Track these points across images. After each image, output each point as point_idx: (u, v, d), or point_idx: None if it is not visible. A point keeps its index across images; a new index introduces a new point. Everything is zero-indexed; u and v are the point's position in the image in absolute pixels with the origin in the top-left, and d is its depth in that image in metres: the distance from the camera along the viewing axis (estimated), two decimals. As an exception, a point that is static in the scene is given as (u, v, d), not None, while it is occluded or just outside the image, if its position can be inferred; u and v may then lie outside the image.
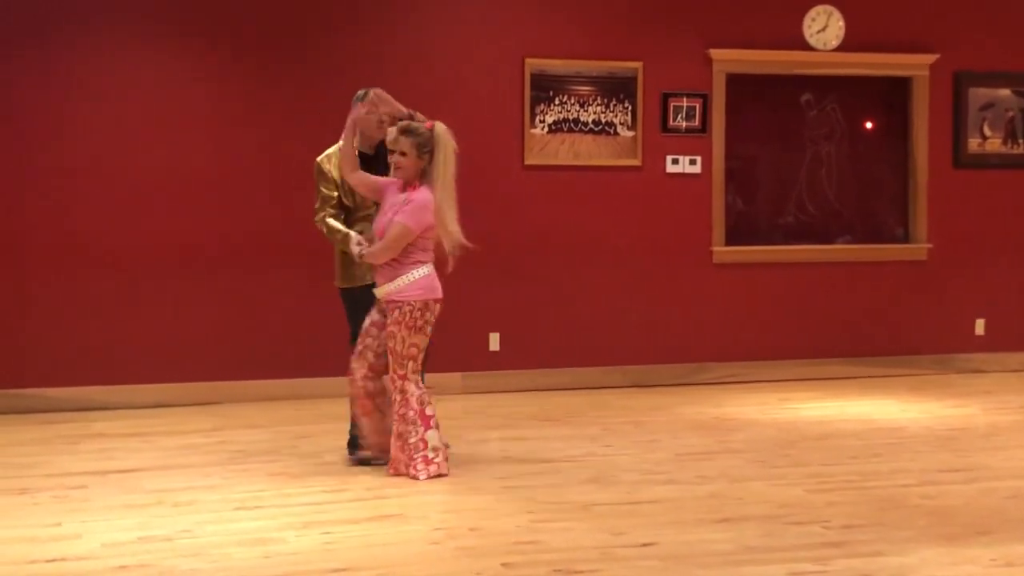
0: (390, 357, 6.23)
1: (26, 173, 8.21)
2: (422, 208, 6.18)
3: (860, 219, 9.80)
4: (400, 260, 6.19)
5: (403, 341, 6.18)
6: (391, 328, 6.20)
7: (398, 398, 6.24)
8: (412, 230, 6.16)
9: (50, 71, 8.21)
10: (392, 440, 6.28)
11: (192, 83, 8.42)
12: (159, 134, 8.36)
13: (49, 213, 8.24)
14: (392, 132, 6.27)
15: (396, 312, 6.18)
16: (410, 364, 6.22)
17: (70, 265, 8.27)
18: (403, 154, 6.20)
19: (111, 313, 8.32)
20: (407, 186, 6.24)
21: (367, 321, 6.35)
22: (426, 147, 6.22)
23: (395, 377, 6.23)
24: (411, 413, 6.22)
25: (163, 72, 8.40)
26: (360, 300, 6.48)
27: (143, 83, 8.35)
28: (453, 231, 6.22)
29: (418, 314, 6.19)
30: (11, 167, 8.20)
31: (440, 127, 6.29)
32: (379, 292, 6.26)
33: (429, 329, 6.27)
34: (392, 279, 6.19)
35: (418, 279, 6.19)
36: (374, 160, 6.53)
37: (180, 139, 8.42)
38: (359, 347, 6.34)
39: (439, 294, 6.29)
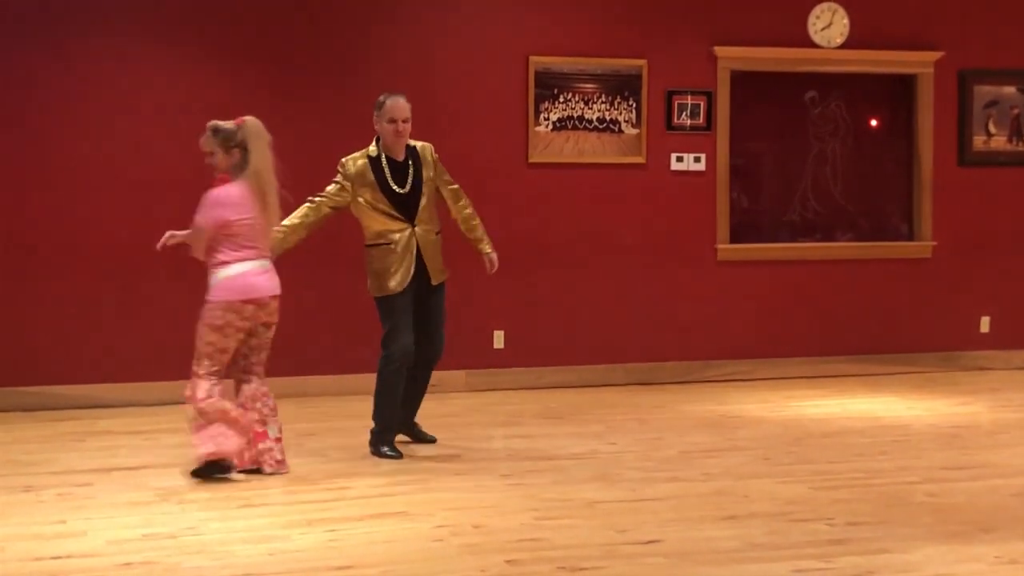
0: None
1: (34, 172, 8.22)
2: (211, 204, 6.18)
3: (865, 217, 9.79)
4: (209, 260, 6.18)
5: (201, 337, 6.17)
6: (198, 323, 6.17)
7: (187, 393, 6.22)
8: (200, 226, 6.16)
9: (61, 72, 8.21)
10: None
11: (201, 84, 8.41)
12: (169, 133, 8.36)
13: (56, 212, 8.24)
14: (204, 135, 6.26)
15: (203, 308, 6.15)
16: (205, 362, 6.17)
17: (76, 263, 8.28)
18: (211, 153, 6.22)
19: (117, 311, 8.33)
20: (218, 183, 6.22)
21: (242, 334, 6.25)
22: (232, 142, 6.19)
23: (192, 371, 6.20)
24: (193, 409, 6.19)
25: (173, 72, 8.40)
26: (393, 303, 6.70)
27: (154, 83, 8.35)
28: (271, 226, 6.24)
29: (218, 313, 6.13)
30: (20, 166, 8.20)
31: (251, 121, 6.24)
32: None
33: (231, 330, 6.17)
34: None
35: (221, 280, 6.16)
36: (402, 166, 6.72)
37: (190, 139, 8.39)
38: (244, 363, 6.33)
39: (248, 295, 6.17)
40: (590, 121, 9.01)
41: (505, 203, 8.84)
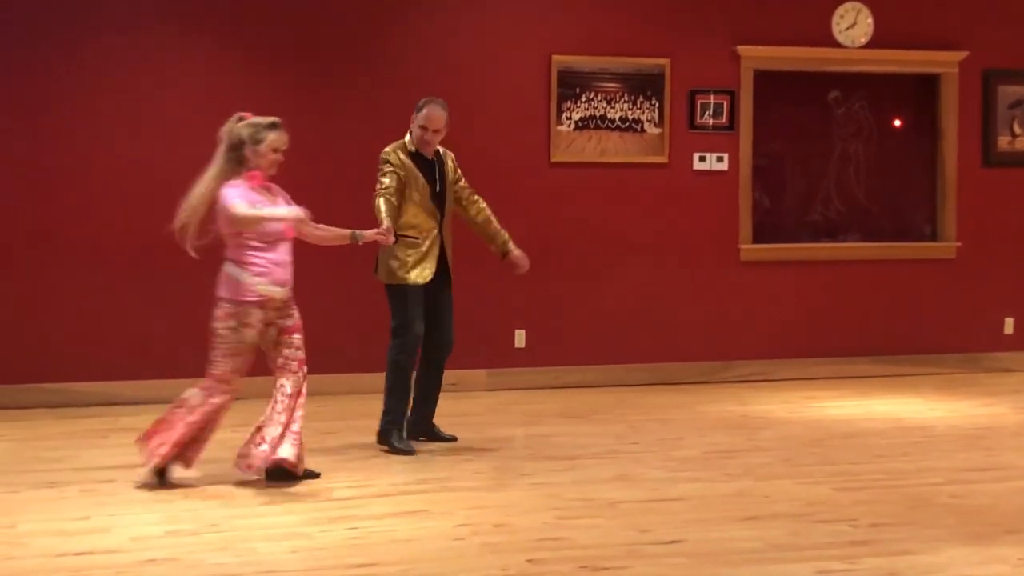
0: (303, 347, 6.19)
1: (54, 170, 8.25)
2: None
3: (888, 217, 9.75)
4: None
5: None
6: (299, 317, 6.16)
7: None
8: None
9: (80, 70, 8.25)
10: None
11: (222, 81, 8.43)
12: (189, 131, 8.38)
13: (75, 209, 8.28)
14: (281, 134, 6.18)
15: (293, 302, 6.14)
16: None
17: (97, 261, 8.31)
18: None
19: (139, 308, 8.36)
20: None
21: (254, 333, 6.11)
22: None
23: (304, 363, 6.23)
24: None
25: (193, 69, 8.42)
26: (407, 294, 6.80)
27: (175, 81, 8.38)
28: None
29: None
30: (40, 164, 8.24)
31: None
32: (285, 293, 6.11)
33: None
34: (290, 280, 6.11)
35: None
36: (432, 165, 6.85)
37: (208, 136, 8.42)
38: (279, 360, 6.18)
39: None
40: (612, 120, 9.00)
41: (527, 202, 8.83)
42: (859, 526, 5.32)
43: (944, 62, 9.56)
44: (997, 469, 6.43)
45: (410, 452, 6.73)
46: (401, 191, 6.76)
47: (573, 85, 8.94)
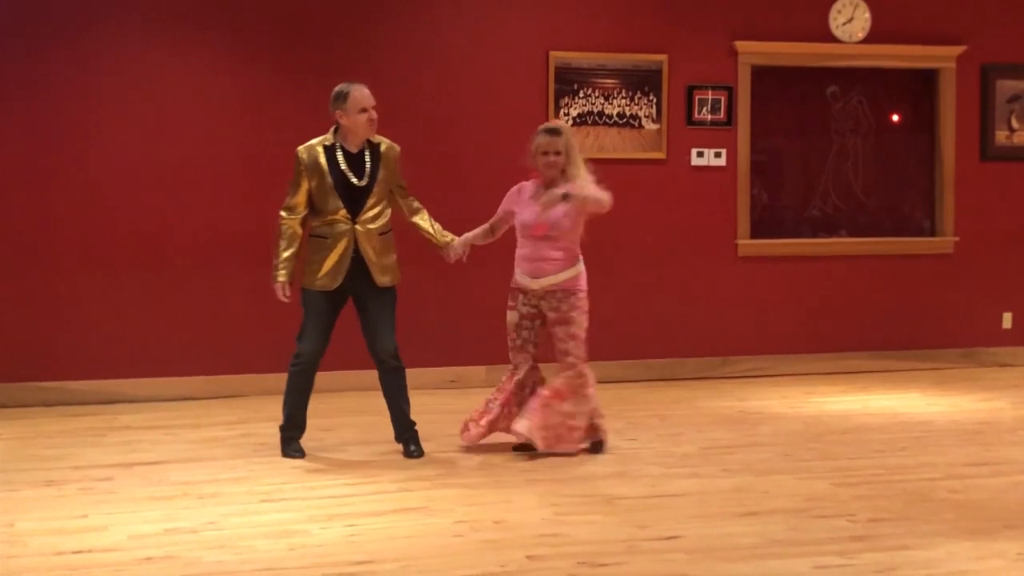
0: (571, 343, 6.60)
1: (52, 168, 8.24)
2: None
3: (886, 212, 9.75)
4: (570, 250, 6.62)
5: (582, 325, 6.62)
6: (572, 314, 6.58)
7: (578, 380, 6.62)
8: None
9: (77, 70, 8.23)
10: (547, 418, 6.53)
11: (221, 80, 8.43)
12: (186, 129, 8.39)
13: (75, 208, 8.26)
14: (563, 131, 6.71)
15: (572, 298, 6.60)
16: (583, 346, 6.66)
17: (96, 259, 8.30)
18: (558, 153, 6.62)
19: (137, 307, 8.35)
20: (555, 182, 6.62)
21: (517, 316, 6.66)
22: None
23: (577, 361, 6.62)
24: (591, 391, 6.66)
25: (193, 70, 8.41)
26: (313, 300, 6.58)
27: (174, 81, 8.36)
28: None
29: (587, 301, 6.67)
30: (40, 163, 8.23)
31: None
32: (551, 280, 6.58)
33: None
34: (565, 268, 6.59)
35: (583, 271, 6.70)
36: (357, 158, 6.49)
37: (207, 134, 8.44)
38: (517, 342, 6.71)
39: None
40: (610, 116, 9.00)
41: (525, 199, 8.81)
42: (857, 521, 5.32)
43: (942, 57, 9.56)
44: (995, 464, 6.43)
45: (292, 457, 6.54)
46: (311, 193, 6.44)
47: (571, 81, 8.94)
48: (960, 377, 9.23)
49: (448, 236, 6.83)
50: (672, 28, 9.10)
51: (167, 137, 8.37)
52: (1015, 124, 9.74)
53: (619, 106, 9.02)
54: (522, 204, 6.71)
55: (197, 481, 6.06)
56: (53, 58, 8.21)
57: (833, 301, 9.49)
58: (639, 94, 9.04)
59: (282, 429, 6.69)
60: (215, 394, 8.36)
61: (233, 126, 8.46)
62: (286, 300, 6.58)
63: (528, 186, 6.74)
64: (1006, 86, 9.70)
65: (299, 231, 6.53)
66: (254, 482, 6.05)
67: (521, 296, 6.69)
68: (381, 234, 6.52)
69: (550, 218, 6.57)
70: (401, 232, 6.76)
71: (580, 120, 8.95)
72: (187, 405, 8.13)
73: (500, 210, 6.85)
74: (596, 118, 8.98)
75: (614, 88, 9.01)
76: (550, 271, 6.60)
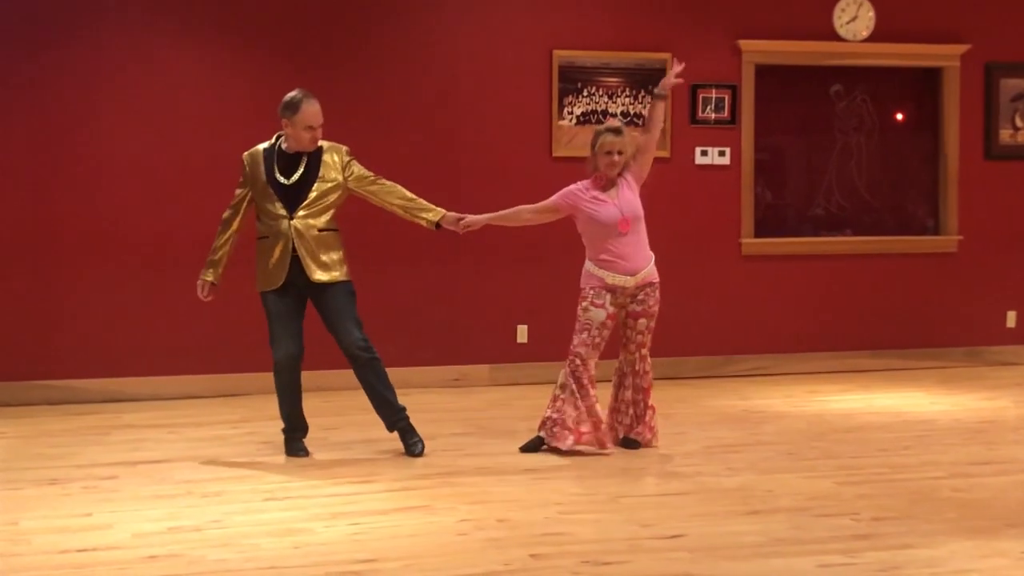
0: (649, 336, 6.75)
1: (54, 166, 8.26)
2: None
3: (890, 211, 9.74)
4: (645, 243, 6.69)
5: (654, 317, 6.73)
6: (654, 308, 6.73)
7: (645, 370, 6.78)
8: None
9: (80, 66, 8.24)
10: (600, 413, 6.63)
11: (223, 78, 8.44)
12: (187, 128, 8.39)
13: (78, 206, 8.28)
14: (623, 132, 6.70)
15: (657, 292, 6.74)
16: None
17: (99, 257, 8.31)
18: (621, 152, 6.64)
19: (141, 305, 8.36)
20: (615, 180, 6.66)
21: (604, 315, 6.66)
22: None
23: (646, 353, 6.79)
24: (648, 381, 6.79)
25: (197, 68, 8.42)
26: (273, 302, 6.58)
27: (178, 80, 8.38)
28: None
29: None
30: (43, 162, 8.24)
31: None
32: (645, 273, 6.67)
33: None
34: (647, 263, 6.68)
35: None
36: (293, 158, 6.48)
37: (208, 133, 8.45)
38: (596, 339, 6.69)
39: None
40: (614, 115, 8.99)
41: (529, 197, 8.73)
42: (861, 520, 5.32)
43: (946, 55, 9.55)
44: (999, 463, 6.43)
45: (296, 456, 6.60)
46: (255, 195, 6.52)
47: (574, 80, 8.94)
48: (964, 376, 9.22)
49: (438, 212, 6.59)
50: (676, 26, 9.10)
51: (169, 136, 8.37)
52: (1019, 123, 9.73)
53: (623, 105, 9.02)
54: (596, 204, 6.63)
55: (201, 479, 6.07)
56: (53, 58, 8.21)
57: (836, 300, 9.49)
58: (643, 93, 9.04)
59: (284, 431, 6.73)
60: (219, 392, 8.37)
61: (234, 126, 8.45)
62: (205, 300, 6.70)
63: (583, 187, 6.70)
64: (1010, 85, 9.69)
65: (233, 223, 6.64)
66: (258, 480, 6.05)
67: (609, 296, 6.64)
68: (321, 231, 6.48)
69: (630, 207, 6.62)
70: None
71: (584, 119, 8.95)
72: (191, 403, 8.14)
73: (563, 203, 6.73)
74: (600, 116, 8.97)
75: (618, 87, 9.00)
76: (643, 264, 6.68)
